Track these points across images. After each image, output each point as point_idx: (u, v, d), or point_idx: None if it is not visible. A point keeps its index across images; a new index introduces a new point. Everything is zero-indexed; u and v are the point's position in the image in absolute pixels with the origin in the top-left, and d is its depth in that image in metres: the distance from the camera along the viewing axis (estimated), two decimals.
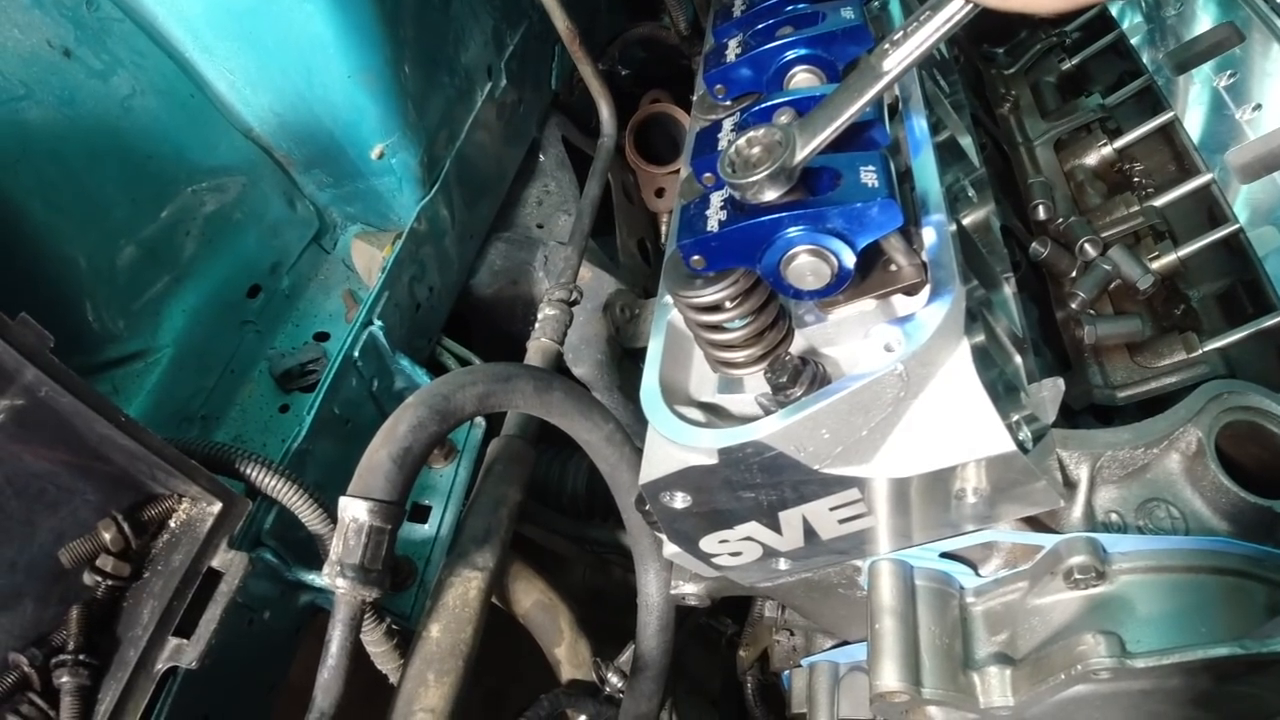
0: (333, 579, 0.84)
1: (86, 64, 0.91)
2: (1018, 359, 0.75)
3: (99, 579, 0.88)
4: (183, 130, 0.99)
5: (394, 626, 0.97)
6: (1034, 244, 1.03)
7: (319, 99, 1.01)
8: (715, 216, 0.68)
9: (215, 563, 0.88)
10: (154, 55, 0.96)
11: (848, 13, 0.82)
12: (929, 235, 0.69)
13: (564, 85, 1.51)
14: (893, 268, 0.70)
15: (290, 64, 0.99)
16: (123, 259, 0.94)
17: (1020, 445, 0.66)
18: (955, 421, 0.66)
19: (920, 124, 0.79)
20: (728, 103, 0.85)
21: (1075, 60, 1.28)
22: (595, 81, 1.36)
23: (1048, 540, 0.76)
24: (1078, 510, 0.78)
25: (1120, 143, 1.14)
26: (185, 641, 0.86)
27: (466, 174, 1.22)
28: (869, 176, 0.65)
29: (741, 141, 0.64)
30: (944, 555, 0.80)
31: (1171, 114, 1.11)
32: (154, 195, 0.96)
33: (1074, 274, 1.04)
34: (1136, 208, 1.07)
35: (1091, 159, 1.16)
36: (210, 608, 0.87)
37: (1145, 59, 1.19)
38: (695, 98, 0.93)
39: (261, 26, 0.97)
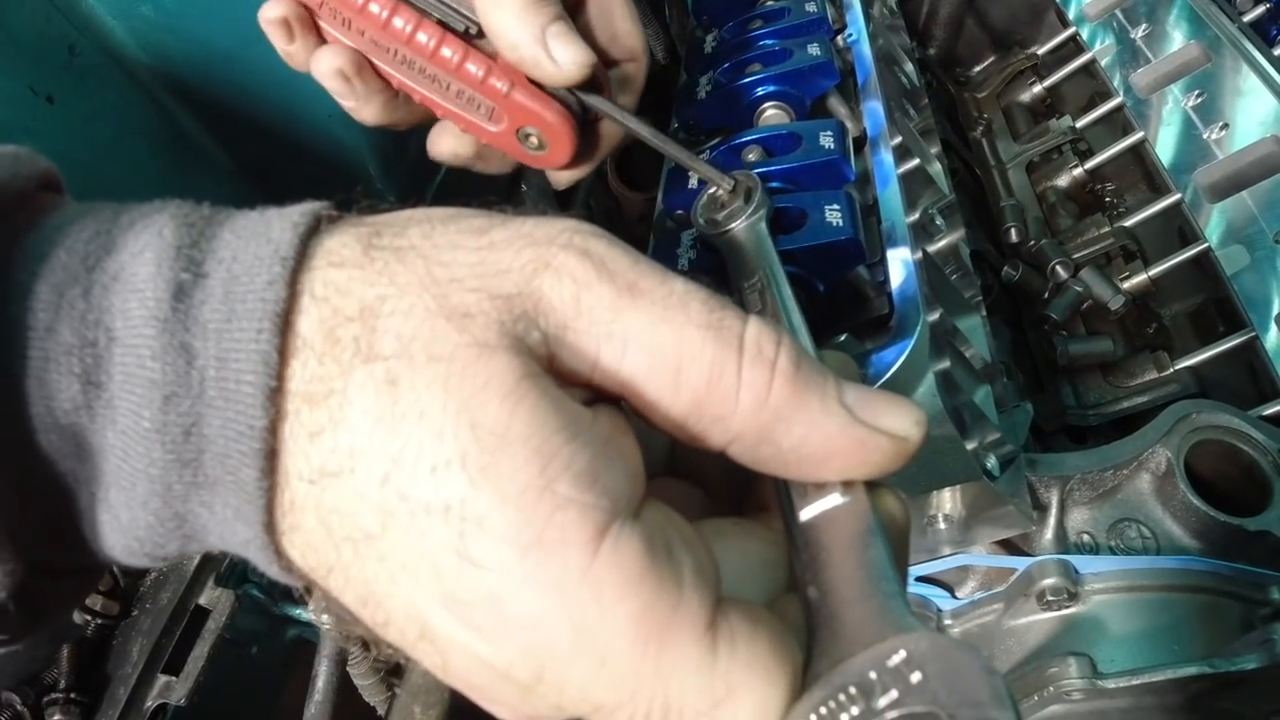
0: (318, 614, 0.85)
1: (71, 109, 0.93)
2: (985, 386, 0.76)
3: (89, 618, 0.90)
4: (167, 173, 1.00)
5: (381, 659, 0.98)
6: (1006, 268, 1.04)
7: (299, 139, 1.03)
8: (685, 255, 0.70)
9: (202, 600, 0.89)
10: (137, 99, 0.97)
11: (814, 49, 0.84)
12: (895, 267, 0.71)
13: None
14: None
15: (272, 104, 1.01)
16: None
17: (987, 473, 0.68)
18: (925, 450, 0.68)
19: (886, 156, 0.80)
20: (702, 138, 0.86)
21: (1047, 83, 1.30)
22: None
23: (1020, 563, 0.77)
24: (1049, 533, 0.79)
25: (1091, 164, 1.16)
26: (175, 679, 0.87)
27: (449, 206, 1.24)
28: (834, 215, 0.66)
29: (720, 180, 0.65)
30: (920, 579, 0.82)
31: (1140, 135, 1.13)
32: None
33: (1046, 296, 1.05)
34: (1107, 228, 1.09)
35: (1063, 180, 1.18)
36: (198, 645, 0.88)
37: (1115, 80, 1.21)
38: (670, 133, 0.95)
39: (243, 67, 0.99)
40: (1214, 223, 1.03)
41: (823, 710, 0.32)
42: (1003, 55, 1.40)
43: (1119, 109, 1.18)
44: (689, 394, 0.36)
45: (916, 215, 0.82)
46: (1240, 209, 1.02)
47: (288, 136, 1.02)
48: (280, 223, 0.36)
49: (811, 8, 0.91)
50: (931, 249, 0.82)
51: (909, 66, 1.06)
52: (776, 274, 0.54)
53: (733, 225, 0.61)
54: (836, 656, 0.34)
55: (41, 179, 0.40)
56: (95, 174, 0.93)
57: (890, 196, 0.77)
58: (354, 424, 0.33)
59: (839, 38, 0.97)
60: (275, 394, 0.34)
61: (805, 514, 0.38)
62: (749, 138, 0.77)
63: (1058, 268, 1.05)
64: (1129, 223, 1.08)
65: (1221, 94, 1.11)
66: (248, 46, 0.97)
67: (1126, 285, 1.04)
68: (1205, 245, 1.00)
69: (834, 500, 0.38)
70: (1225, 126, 1.08)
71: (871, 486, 0.38)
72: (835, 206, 0.67)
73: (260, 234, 0.36)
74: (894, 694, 0.31)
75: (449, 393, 0.33)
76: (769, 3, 0.99)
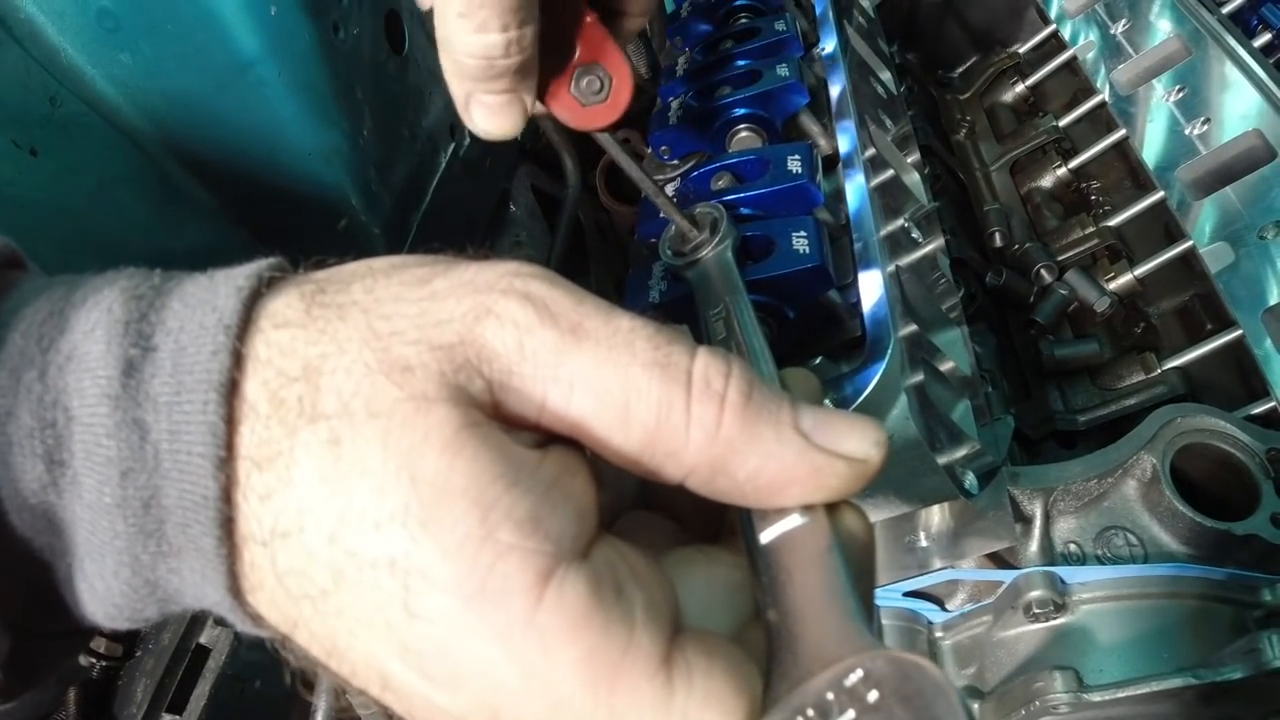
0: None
1: (54, 160, 0.94)
2: (965, 401, 0.76)
3: (94, 660, 0.91)
4: (151, 216, 1.01)
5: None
6: (989, 274, 1.04)
7: (281, 177, 1.04)
8: (657, 286, 0.71)
9: (203, 639, 0.91)
10: (120, 146, 0.99)
11: (783, 70, 0.84)
12: (867, 288, 0.71)
13: (529, 134, 1.53)
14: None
15: (252, 145, 1.02)
16: None
17: (964, 491, 0.68)
18: (901, 471, 0.68)
19: (859, 174, 0.80)
20: (675, 162, 0.87)
21: (1029, 81, 1.29)
22: (555, 135, 1.39)
23: (1006, 576, 0.77)
24: (1034, 544, 0.79)
25: (1074, 163, 1.16)
26: (178, 717, 0.89)
27: (436, 232, 1.25)
28: (800, 243, 0.67)
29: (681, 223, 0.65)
30: (909, 594, 0.82)
31: (1122, 132, 1.12)
32: None
33: (1032, 300, 1.05)
34: (1092, 229, 1.09)
35: (1047, 181, 1.18)
36: (200, 683, 0.89)
37: (1098, 77, 1.20)
38: (645, 158, 0.95)
39: (222, 109, 1.00)
40: (1200, 219, 1.03)
41: None
42: (984, 55, 1.39)
43: (1102, 106, 1.18)
44: (639, 432, 0.36)
45: (894, 227, 0.82)
46: (1225, 204, 1.01)
47: (269, 174, 1.03)
48: (225, 287, 0.37)
49: (781, 26, 0.92)
50: (909, 260, 0.82)
51: (886, 75, 1.06)
52: (741, 301, 0.54)
53: (698, 256, 0.61)
54: (796, 679, 0.34)
55: (1, 259, 0.40)
56: (81, 222, 0.94)
57: (863, 215, 0.77)
58: (300, 484, 0.34)
59: (813, 51, 0.97)
60: (225, 462, 0.34)
61: (765, 536, 0.38)
62: (717, 165, 0.77)
63: (1043, 271, 1.05)
64: (1114, 222, 1.08)
65: (1203, 88, 1.11)
66: (225, 89, 0.98)
67: (1113, 285, 1.04)
68: (1190, 243, 1.00)
69: (794, 521, 0.38)
70: (1208, 121, 1.07)
71: (832, 506, 0.38)
72: (802, 233, 0.67)
73: (206, 302, 0.37)
74: (851, 714, 0.31)
75: (388, 448, 0.33)
76: (741, 21, 0.99)
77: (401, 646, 0.33)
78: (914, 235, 0.86)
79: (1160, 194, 1.05)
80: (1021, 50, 1.34)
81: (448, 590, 0.32)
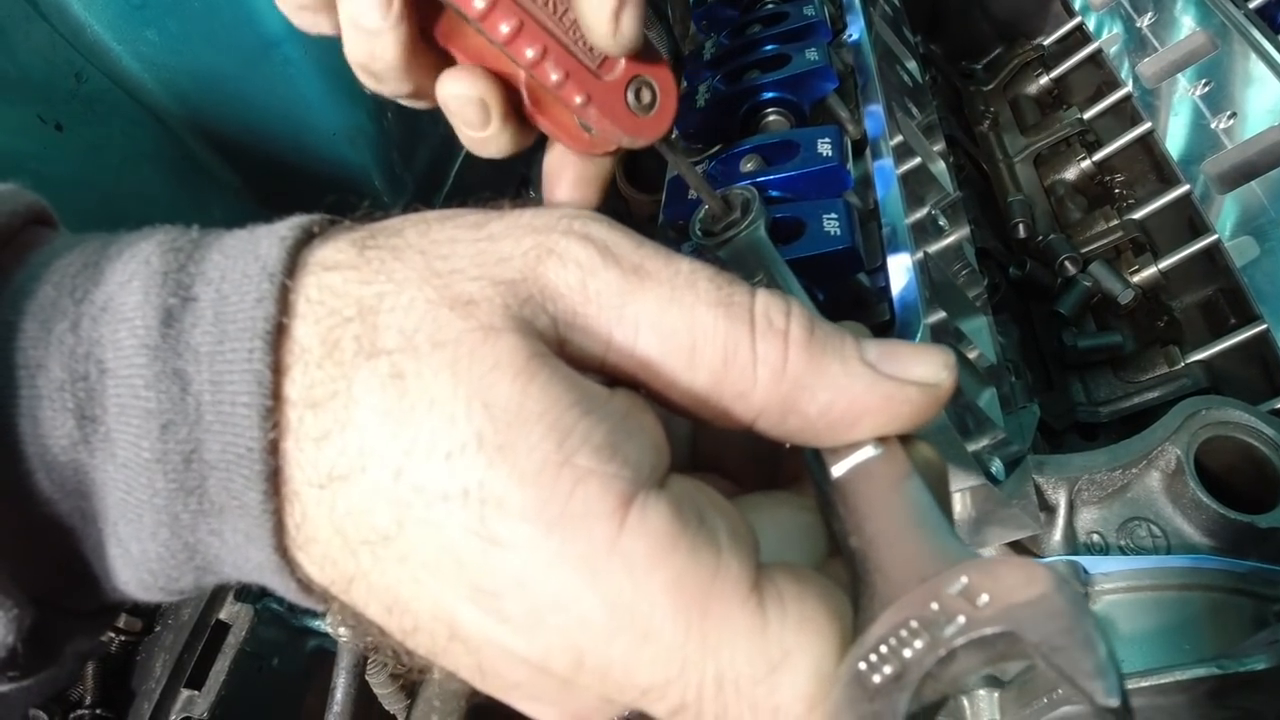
0: (336, 626, 0.87)
1: (79, 136, 0.94)
2: (991, 388, 0.76)
3: (113, 635, 0.92)
4: (175, 193, 1.02)
5: (401, 668, 0.99)
6: (1012, 265, 1.04)
7: (305, 156, 1.04)
8: None
9: (223, 615, 0.91)
10: (144, 123, 0.99)
11: (812, 54, 0.84)
12: (896, 272, 0.71)
13: None
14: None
15: (277, 124, 1.02)
16: None
17: (991, 477, 0.68)
18: None
19: (887, 160, 0.80)
20: (700, 146, 0.86)
21: (1054, 74, 1.28)
22: None
23: None
24: (1058, 534, 0.79)
25: (1098, 156, 1.15)
26: (197, 693, 0.89)
27: None
28: (831, 224, 0.67)
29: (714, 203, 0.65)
30: None
31: (1148, 125, 1.12)
32: None
33: (1055, 291, 1.05)
34: (1116, 221, 1.08)
35: (1071, 173, 1.17)
36: (219, 659, 0.89)
37: (1123, 70, 1.20)
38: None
39: (248, 88, 1.00)
40: (1224, 213, 1.02)
41: (882, 649, 0.31)
42: (1009, 47, 1.39)
43: (1126, 99, 1.17)
44: (706, 373, 0.36)
45: (920, 215, 0.82)
46: (1250, 199, 1.01)
47: (293, 154, 1.03)
48: (268, 239, 0.36)
49: (809, 11, 0.91)
50: (935, 248, 0.82)
51: (911, 64, 1.06)
52: (781, 269, 0.54)
53: (729, 236, 0.61)
54: (889, 598, 0.32)
55: (30, 214, 0.39)
56: (105, 198, 0.94)
57: (891, 200, 0.77)
58: (361, 422, 0.33)
59: (840, 38, 0.97)
60: (272, 411, 0.33)
61: (838, 470, 0.37)
62: (747, 146, 0.77)
63: (1066, 263, 1.05)
64: (1138, 215, 1.08)
65: (1229, 82, 1.10)
66: (251, 68, 0.98)
67: (1136, 278, 1.03)
68: (1215, 237, 0.99)
69: (868, 453, 0.37)
70: (1234, 115, 1.06)
71: (903, 439, 0.38)
72: (833, 215, 0.67)
73: (248, 252, 0.35)
74: (961, 620, 0.30)
75: (458, 377, 0.32)
76: (769, 6, 0.98)
77: (473, 587, 0.32)
78: (940, 223, 0.86)
79: (1185, 187, 1.05)
80: (1046, 42, 1.34)
81: (526, 517, 0.31)
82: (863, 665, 0.31)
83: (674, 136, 0.91)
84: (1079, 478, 0.79)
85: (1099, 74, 1.27)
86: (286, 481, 0.34)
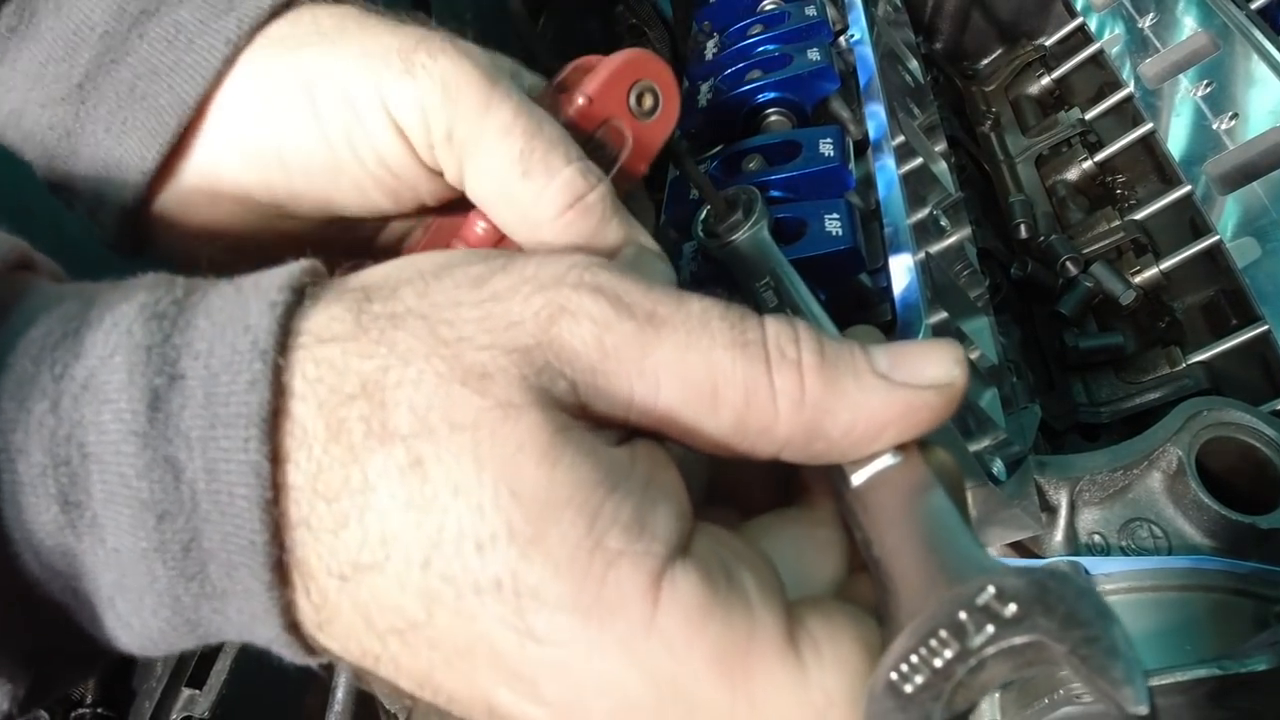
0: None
1: None
2: (992, 389, 0.76)
3: None
4: None
5: None
6: (1014, 265, 1.04)
7: None
8: (688, 267, 0.71)
9: None
10: None
11: (813, 54, 0.84)
12: (897, 272, 0.71)
13: None
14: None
15: None
16: None
17: (992, 477, 0.68)
18: None
19: (888, 160, 0.80)
20: (702, 147, 0.86)
21: (1055, 74, 1.28)
22: None
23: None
24: (1059, 534, 0.79)
25: (1100, 156, 1.15)
26: (198, 692, 0.89)
27: None
28: (833, 224, 0.67)
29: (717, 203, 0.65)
30: None
31: (1149, 126, 1.12)
32: None
33: (1056, 292, 1.05)
34: (1118, 222, 1.08)
35: (1072, 174, 1.17)
36: (221, 659, 0.89)
37: (1124, 70, 1.20)
38: None
39: None
40: (1225, 214, 1.02)
41: (913, 659, 0.31)
42: (1010, 47, 1.39)
43: (1128, 100, 1.17)
44: (729, 414, 0.35)
45: (921, 215, 0.82)
46: (1252, 200, 1.01)
47: None
48: (257, 303, 0.34)
49: (811, 11, 0.91)
50: (937, 249, 0.82)
51: (913, 64, 1.06)
52: (787, 271, 0.54)
53: (733, 238, 0.61)
54: (915, 607, 0.33)
55: (5, 265, 0.37)
56: None
57: (893, 201, 0.77)
58: (382, 510, 0.32)
59: (841, 38, 0.97)
60: (273, 503, 0.32)
61: (858, 479, 0.37)
62: (749, 147, 0.77)
63: (1067, 263, 1.05)
64: (1139, 216, 1.08)
65: (1231, 83, 1.10)
66: None
67: (1138, 279, 1.03)
68: (1217, 238, 0.99)
69: (886, 461, 0.37)
70: (1235, 116, 1.07)
71: (920, 444, 0.38)
72: (835, 215, 0.67)
73: (236, 320, 0.34)
74: (989, 630, 0.30)
75: (481, 463, 0.31)
76: (769, 7, 0.99)
77: (511, 674, 0.32)
78: (942, 224, 0.86)
79: (1186, 188, 1.05)
80: (1047, 43, 1.34)
81: (562, 607, 0.31)
82: (894, 675, 0.31)
83: (677, 137, 0.91)
84: (1080, 478, 0.79)
85: (1101, 74, 1.27)
86: (301, 568, 0.33)
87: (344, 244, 0.54)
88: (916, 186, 0.84)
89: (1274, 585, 0.77)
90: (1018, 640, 0.30)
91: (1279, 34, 1.11)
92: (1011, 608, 0.30)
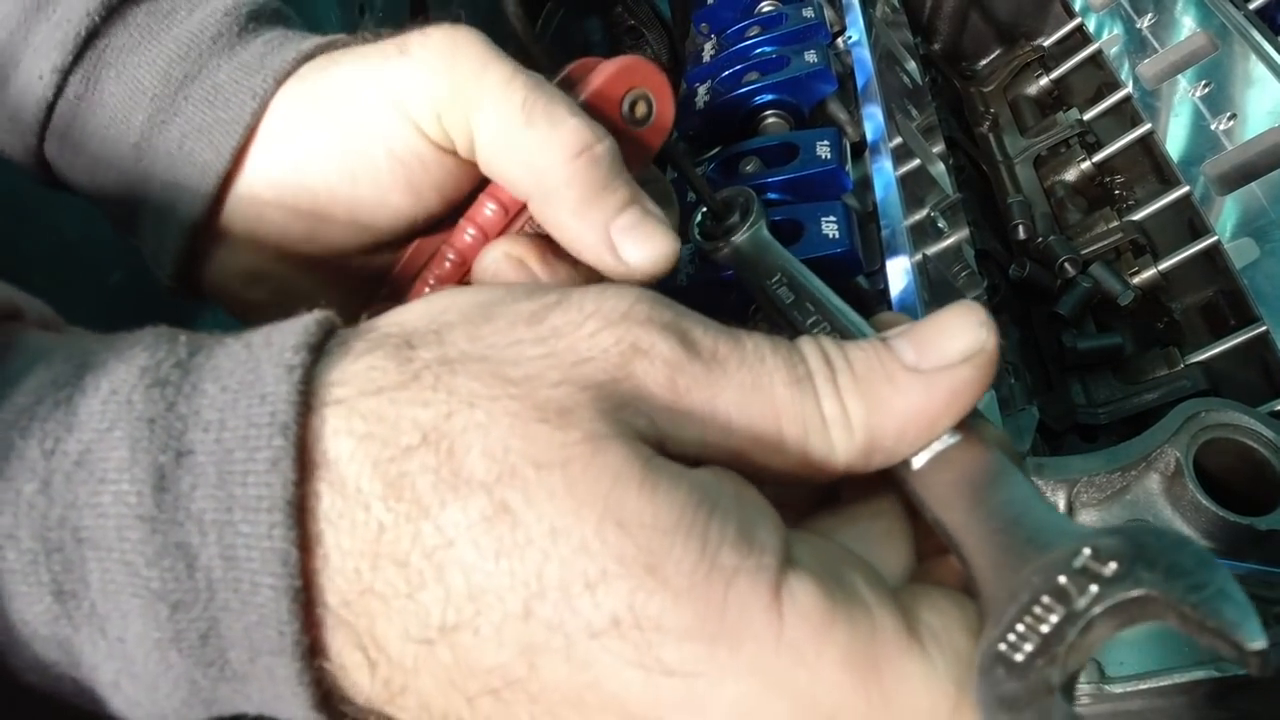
0: None
1: None
2: (990, 390, 0.76)
3: None
4: None
5: None
6: (1012, 266, 1.04)
7: None
8: (684, 270, 0.71)
9: None
10: None
11: (811, 56, 0.84)
12: (894, 274, 0.71)
13: None
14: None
15: None
16: None
17: None
18: None
19: (886, 162, 0.80)
20: (700, 149, 0.87)
21: (1054, 75, 1.29)
22: None
23: None
24: None
25: (1098, 157, 1.15)
26: None
27: None
28: (830, 227, 0.67)
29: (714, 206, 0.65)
30: None
31: (1148, 126, 1.12)
32: None
33: (1055, 293, 1.05)
34: (1116, 223, 1.08)
35: (1071, 174, 1.17)
36: None
37: (1123, 71, 1.20)
38: None
39: None
40: (1224, 215, 1.02)
41: (1019, 628, 0.31)
42: (1008, 48, 1.39)
43: (1126, 100, 1.17)
44: (794, 449, 0.35)
45: (919, 217, 0.82)
46: (1250, 200, 1.01)
47: None
48: (272, 366, 0.31)
49: (809, 13, 0.91)
50: (934, 250, 0.82)
51: (911, 65, 1.06)
52: (797, 267, 0.54)
53: (731, 240, 0.61)
54: (1008, 581, 0.33)
55: None
56: None
57: (890, 202, 0.77)
58: (467, 564, 0.30)
59: (839, 40, 0.97)
60: (303, 590, 0.30)
61: (918, 463, 0.37)
62: (746, 148, 0.77)
63: (1066, 264, 1.05)
64: (1138, 216, 1.08)
65: (1229, 83, 1.10)
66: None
67: (1136, 280, 1.03)
68: (1215, 238, 0.99)
69: (945, 442, 0.37)
70: (1233, 117, 1.07)
71: (970, 420, 0.38)
72: (831, 218, 0.67)
73: (249, 386, 0.31)
74: (1094, 590, 0.30)
75: (579, 499, 0.30)
76: (767, 9, 0.99)
77: (628, 716, 0.30)
78: (940, 225, 0.86)
79: (1185, 189, 1.05)
80: (1046, 44, 1.34)
81: (690, 635, 0.29)
82: (1002, 646, 0.31)
83: (674, 139, 0.91)
84: (1078, 479, 0.79)
85: (1099, 75, 1.27)
86: (369, 639, 0.31)
87: (373, 269, 0.55)
88: (914, 188, 0.84)
89: (1273, 586, 0.77)
90: (1124, 596, 0.30)
91: (1277, 34, 1.11)
92: (1112, 566, 0.31)
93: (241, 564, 0.30)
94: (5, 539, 0.29)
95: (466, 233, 0.52)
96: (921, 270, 0.73)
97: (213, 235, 0.51)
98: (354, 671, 0.31)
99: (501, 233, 0.51)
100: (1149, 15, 1.22)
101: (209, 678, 0.31)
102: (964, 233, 0.89)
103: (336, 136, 0.49)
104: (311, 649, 0.31)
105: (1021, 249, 1.11)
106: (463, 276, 0.52)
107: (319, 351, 0.33)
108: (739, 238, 0.61)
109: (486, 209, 0.51)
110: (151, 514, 0.29)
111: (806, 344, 0.37)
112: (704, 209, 0.63)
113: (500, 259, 0.49)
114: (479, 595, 0.30)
